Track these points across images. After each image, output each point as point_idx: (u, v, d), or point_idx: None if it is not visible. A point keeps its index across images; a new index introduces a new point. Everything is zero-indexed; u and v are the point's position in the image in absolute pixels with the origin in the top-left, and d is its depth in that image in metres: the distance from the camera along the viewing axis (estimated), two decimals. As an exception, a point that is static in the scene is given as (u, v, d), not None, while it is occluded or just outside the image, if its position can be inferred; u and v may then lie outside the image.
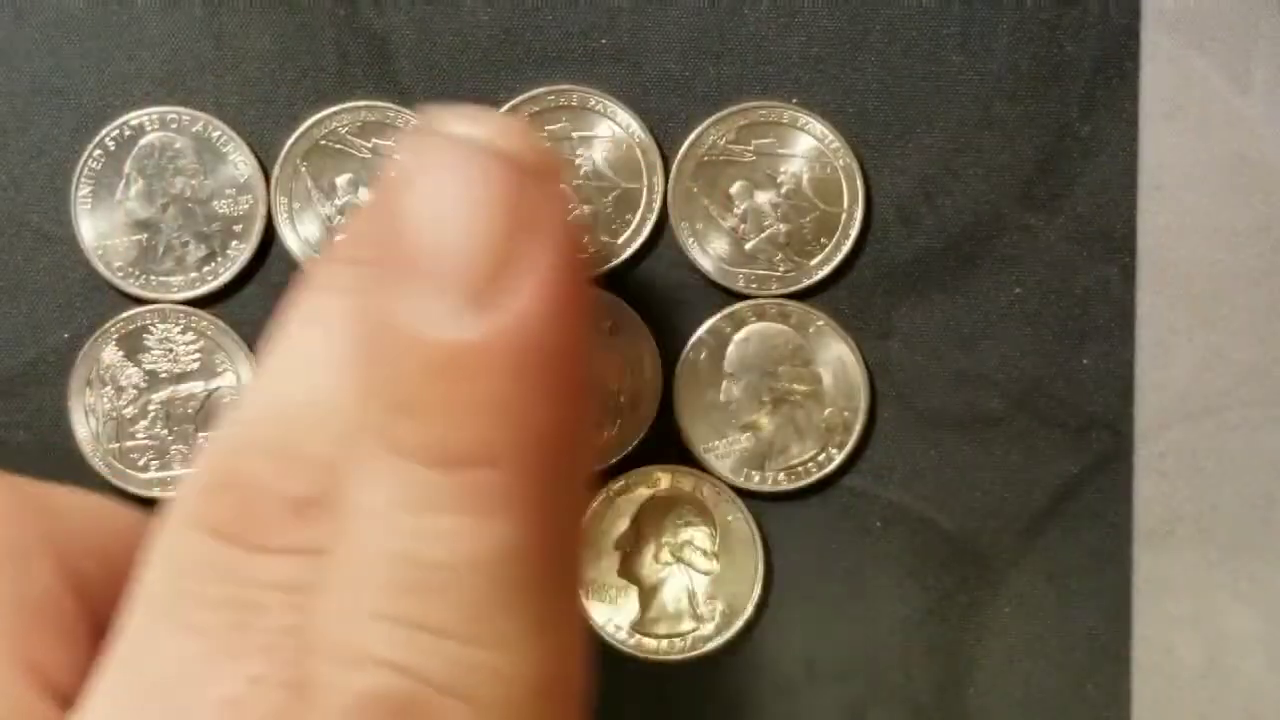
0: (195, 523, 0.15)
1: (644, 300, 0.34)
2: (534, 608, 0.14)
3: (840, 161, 0.33)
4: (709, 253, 0.34)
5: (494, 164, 0.14)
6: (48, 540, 0.16)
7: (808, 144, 0.34)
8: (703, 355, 0.34)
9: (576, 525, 0.15)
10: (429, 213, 0.14)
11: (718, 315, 0.34)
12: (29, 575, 0.16)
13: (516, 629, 0.14)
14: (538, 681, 0.14)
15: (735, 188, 0.34)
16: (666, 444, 0.34)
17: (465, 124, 0.14)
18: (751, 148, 0.34)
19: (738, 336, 0.34)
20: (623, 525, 0.34)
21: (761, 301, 0.34)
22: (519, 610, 0.14)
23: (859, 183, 0.33)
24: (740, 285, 0.34)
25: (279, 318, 0.17)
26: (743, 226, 0.34)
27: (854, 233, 0.33)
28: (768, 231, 0.34)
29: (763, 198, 0.34)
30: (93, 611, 0.17)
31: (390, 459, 0.14)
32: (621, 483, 0.34)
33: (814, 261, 0.34)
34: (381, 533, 0.14)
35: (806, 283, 0.34)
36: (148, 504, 0.34)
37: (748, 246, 0.34)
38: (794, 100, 0.34)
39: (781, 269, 0.34)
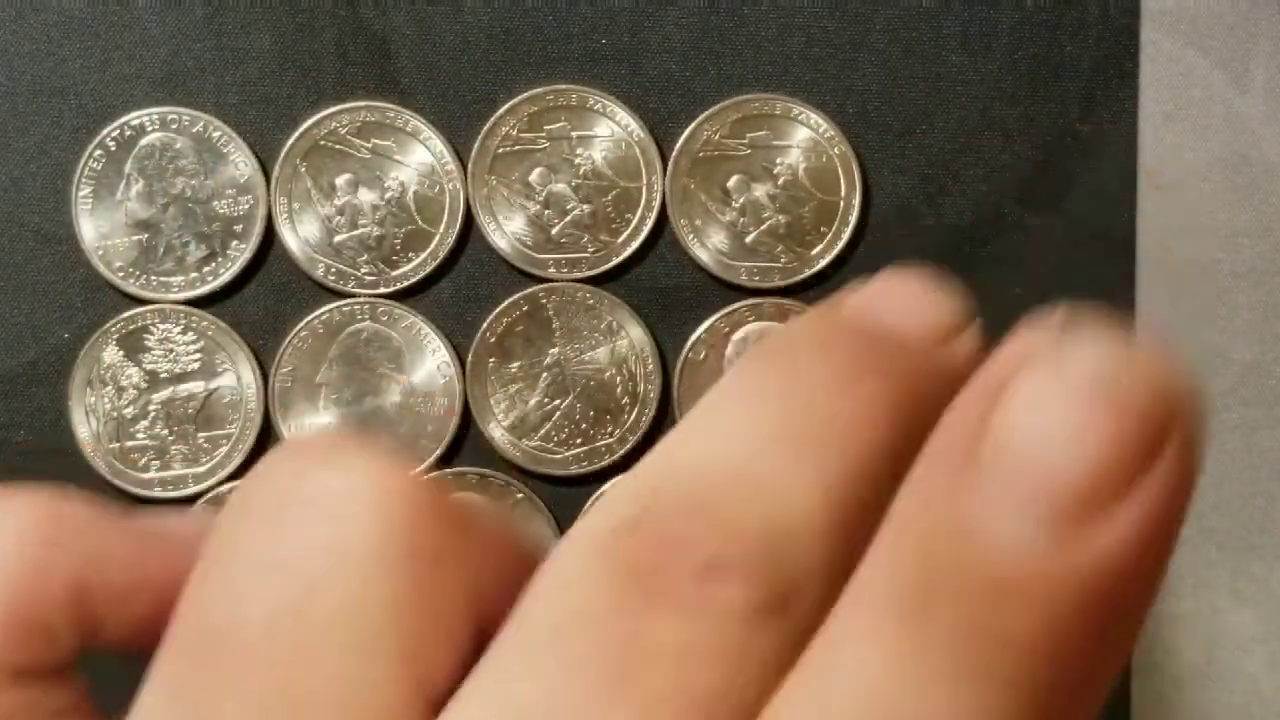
0: (604, 555, 0.15)
1: (644, 300, 0.34)
2: None
3: (836, 150, 0.33)
4: (709, 248, 0.34)
5: (1120, 406, 0.13)
6: (462, 551, 0.17)
7: (803, 135, 0.34)
8: (702, 355, 0.34)
9: None
10: (1034, 425, 0.13)
11: (716, 315, 0.34)
12: (444, 581, 0.16)
13: None
14: None
15: (732, 182, 0.34)
16: (666, 444, 0.34)
17: (1091, 352, 0.14)
18: (746, 141, 0.34)
19: (736, 336, 0.34)
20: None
21: (759, 301, 0.34)
22: None
23: (855, 170, 0.33)
24: (742, 279, 0.34)
25: (724, 374, 0.17)
26: (742, 220, 0.34)
27: (853, 220, 0.33)
28: (767, 224, 0.34)
29: (760, 190, 0.34)
30: (478, 617, 0.17)
31: (904, 639, 0.14)
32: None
33: (815, 251, 0.34)
34: (864, 694, 0.14)
35: (808, 273, 0.34)
36: (148, 503, 0.34)
37: (748, 240, 0.34)
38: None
39: (783, 260, 0.34)
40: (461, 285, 0.34)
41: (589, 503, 0.34)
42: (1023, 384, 0.14)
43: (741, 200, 0.34)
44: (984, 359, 0.15)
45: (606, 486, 0.34)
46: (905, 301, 0.18)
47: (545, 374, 0.34)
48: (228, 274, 0.34)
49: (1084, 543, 0.13)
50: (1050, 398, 0.13)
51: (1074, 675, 0.14)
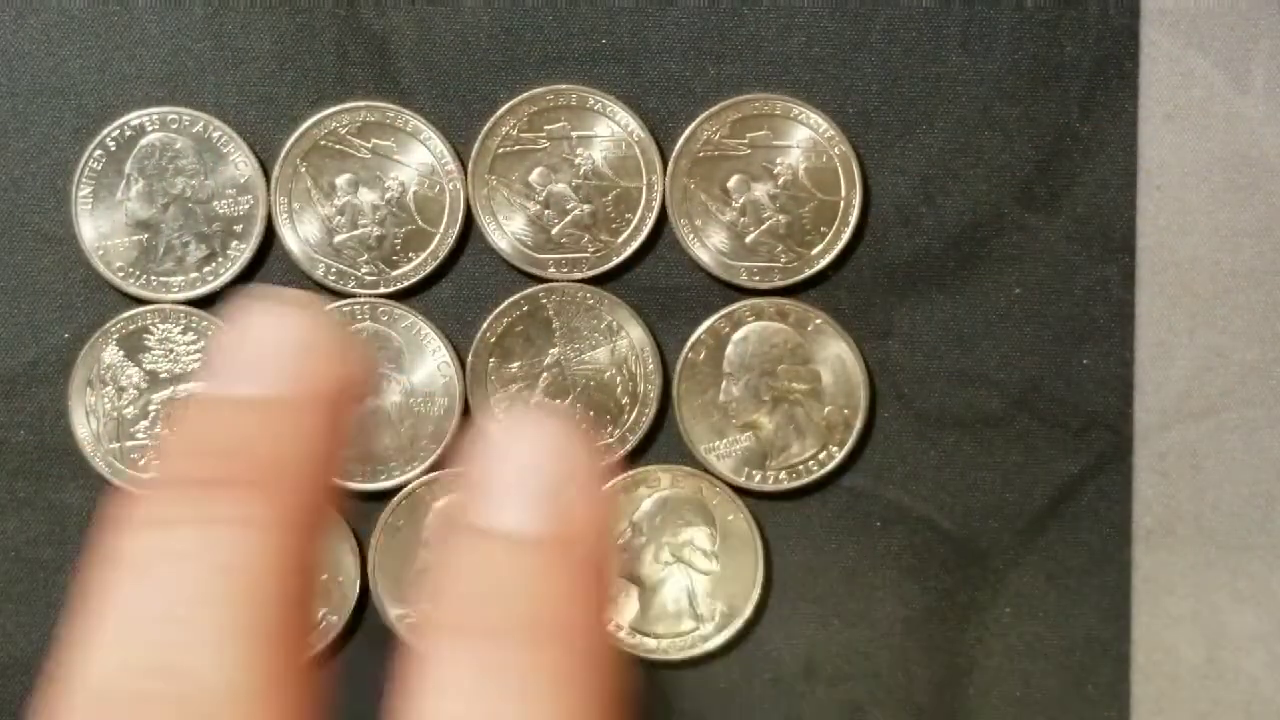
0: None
1: (644, 300, 0.34)
2: None
3: (836, 150, 0.33)
4: (709, 247, 0.34)
5: (563, 437, 0.19)
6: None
7: (803, 134, 0.34)
8: (702, 355, 0.34)
9: None
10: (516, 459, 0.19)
11: (716, 315, 0.34)
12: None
13: None
14: None
15: (732, 182, 0.34)
16: (667, 444, 0.34)
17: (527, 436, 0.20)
18: (746, 141, 0.34)
19: (736, 336, 0.34)
20: (623, 525, 0.34)
21: (759, 301, 0.34)
22: None
23: (855, 169, 0.33)
24: (742, 279, 0.34)
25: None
26: (742, 220, 0.34)
27: (853, 220, 0.33)
28: (767, 223, 0.34)
29: (760, 190, 0.34)
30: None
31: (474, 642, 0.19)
32: (622, 483, 0.34)
33: (815, 251, 0.34)
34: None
35: (808, 273, 0.34)
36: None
37: (748, 240, 0.34)
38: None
39: (783, 260, 0.34)
40: (461, 285, 0.34)
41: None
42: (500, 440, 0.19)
43: (741, 200, 0.34)
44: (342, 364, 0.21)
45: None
46: (262, 340, 0.20)
47: (545, 374, 0.34)
48: (228, 274, 0.34)
49: (566, 510, 0.19)
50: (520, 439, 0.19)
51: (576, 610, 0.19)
